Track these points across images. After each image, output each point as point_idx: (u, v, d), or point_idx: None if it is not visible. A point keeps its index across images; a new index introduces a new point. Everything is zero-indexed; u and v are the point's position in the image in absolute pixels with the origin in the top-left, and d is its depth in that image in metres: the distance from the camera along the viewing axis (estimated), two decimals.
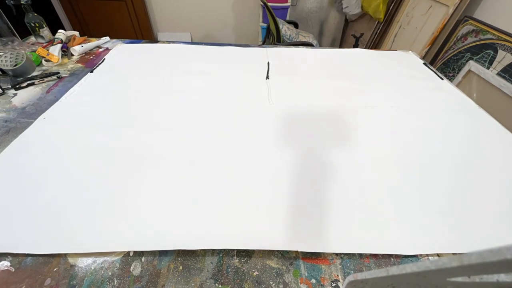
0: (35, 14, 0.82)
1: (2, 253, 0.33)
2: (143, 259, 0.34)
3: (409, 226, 0.38)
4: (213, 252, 0.35)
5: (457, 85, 1.20)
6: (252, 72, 0.76)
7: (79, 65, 0.77)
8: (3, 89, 0.63)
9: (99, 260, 0.34)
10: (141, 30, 2.29)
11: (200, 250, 0.35)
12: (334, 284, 0.32)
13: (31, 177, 0.43)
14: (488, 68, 1.11)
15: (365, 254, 0.35)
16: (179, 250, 0.35)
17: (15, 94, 0.63)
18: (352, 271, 0.34)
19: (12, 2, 0.77)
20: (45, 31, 0.85)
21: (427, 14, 1.39)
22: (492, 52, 1.11)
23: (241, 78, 0.72)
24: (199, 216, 0.38)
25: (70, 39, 0.87)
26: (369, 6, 1.77)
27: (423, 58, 0.93)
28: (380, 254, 0.35)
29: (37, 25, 0.83)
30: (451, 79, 1.28)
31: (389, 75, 0.78)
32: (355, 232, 0.37)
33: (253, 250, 0.35)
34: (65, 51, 0.82)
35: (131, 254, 0.34)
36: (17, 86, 0.64)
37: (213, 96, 0.65)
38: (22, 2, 0.77)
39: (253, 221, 0.38)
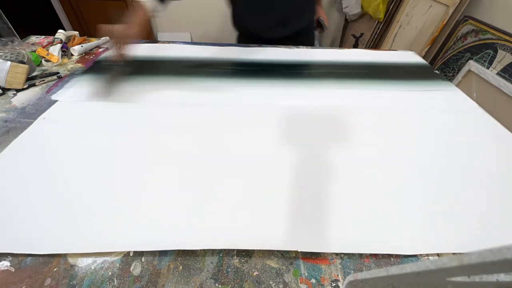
0: None
1: (2, 253, 0.33)
2: (143, 259, 0.34)
3: (409, 226, 0.38)
4: (213, 252, 0.35)
5: (457, 85, 1.20)
6: (252, 72, 0.76)
7: (79, 65, 0.77)
8: (3, 89, 0.63)
9: (99, 260, 0.34)
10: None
11: (200, 250, 0.35)
12: (334, 284, 0.32)
13: (31, 177, 0.43)
14: (488, 68, 1.11)
15: (365, 254, 0.35)
16: (179, 250, 0.35)
17: (15, 94, 0.63)
18: (352, 271, 0.34)
19: None
20: None
21: (427, 14, 1.39)
22: (492, 52, 1.11)
23: (240, 78, 0.72)
24: (199, 216, 0.38)
25: (70, 39, 0.87)
26: (369, 6, 1.77)
27: (423, 58, 0.93)
28: (380, 254, 0.35)
29: None
30: (451, 79, 1.28)
31: (389, 76, 0.78)
32: (355, 232, 0.37)
33: (253, 250, 0.35)
34: (65, 51, 0.82)
35: (131, 254, 0.34)
36: None
37: (213, 96, 0.65)
38: None
39: (253, 221, 0.38)
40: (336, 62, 0.84)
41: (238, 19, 0.93)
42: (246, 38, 0.97)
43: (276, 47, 0.92)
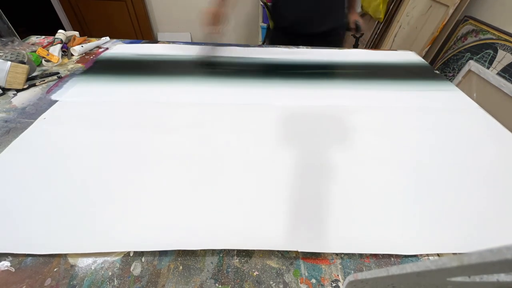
0: None
1: (2, 253, 0.33)
2: (143, 259, 0.34)
3: (409, 226, 0.38)
4: (213, 252, 0.35)
5: (457, 85, 1.20)
6: (252, 72, 0.76)
7: (79, 65, 0.77)
8: (3, 89, 0.63)
9: (99, 260, 0.34)
10: (141, 30, 2.29)
11: (200, 250, 0.35)
12: (334, 284, 0.32)
13: (31, 177, 0.43)
14: (488, 68, 1.11)
15: (365, 254, 0.35)
16: (179, 250, 0.35)
17: (15, 94, 0.63)
18: (352, 271, 0.34)
19: None
20: None
21: (427, 14, 1.39)
22: (492, 52, 1.11)
23: (240, 78, 0.72)
24: (199, 216, 0.38)
25: (70, 39, 0.87)
26: (369, 6, 1.77)
27: (423, 58, 0.93)
28: (380, 254, 0.35)
29: None
30: (451, 79, 1.28)
31: (389, 76, 0.78)
32: (355, 232, 0.37)
33: (253, 250, 0.35)
34: (65, 51, 0.82)
35: (131, 254, 0.34)
36: None
37: (213, 96, 0.65)
38: None
39: (253, 221, 0.38)
40: (336, 62, 0.84)
41: (277, 11, 0.98)
42: (278, 32, 1.02)
43: (276, 47, 0.92)
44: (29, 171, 0.44)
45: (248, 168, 0.46)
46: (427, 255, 0.36)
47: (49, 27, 0.86)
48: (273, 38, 1.06)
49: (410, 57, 0.91)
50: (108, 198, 0.40)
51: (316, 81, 0.73)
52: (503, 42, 1.07)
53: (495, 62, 1.09)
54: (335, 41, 1.02)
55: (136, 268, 0.33)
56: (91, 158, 0.46)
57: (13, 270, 0.32)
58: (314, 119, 0.58)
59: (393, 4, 1.66)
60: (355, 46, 2.10)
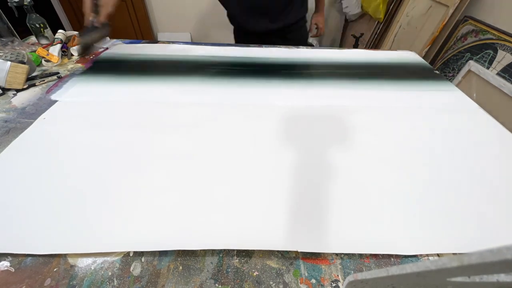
0: (38, 15, 0.82)
1: (2, 253, 0.33)
2: (143, 259, 0.34)
3: (409, 226, 0.38)
4: (213, 252, 0.35)
5: (457, 85, 1.20)
6: (252, 72, 0.76)
7: (79, 65, 0.77)
8: (3, 89, 0.63)
9: (99, 260, 0.33)
10: (141, 30, 2.29)
11: (200, 250, 0.35)
12: (334, 284, 0.32)
13: (31, 177, 0.43)
14: (488, 68, 1.11)
15: (365, 254, 0.35)
16: (179, 250, 0.35)
17: (15, 94, 0.63)
18: (352, 271, 0.34)
19: (15, 3, 0.76)
20: (49, 32, 0.85)
21: (427, 14, 1.39)
22: (492, 52, 1.11)
23: (240, 78, 0.72)
24: (199, 216, 0.38)
25: (70, 39, 0.87)
26: (369, 6, 1.77)
27: (423, 58, 0.93)
28: (380, 254, 0.35)
29: (42, 25, 0.83)
30: (451, 79, 1.28)
31: (389, 76, 0.78)
32: (355, 232, 0.37)
33: (253, 250, 0.35)
34: (65, 51, 0.82)
35: (131, 254, 0.34)
36: None
37: (213, 96, 0.65)
38: (25, 3, 0.77)
39: (254, 221, 0.38)
40: (336, 62, 0.84)
41: (229, 12, 1.00)
42: (239, 32, 1.07)
43: (276, 47, 0.92)
44: (29, 171, 0.43)
45: (248, 168, 0.46)
46: (427, 255, 0.36)
47: (49, 27, 0.86)
48: (237, 39, 1.08)
49: (410, 57, 0.91)
50: (108, 198, 0.40)
51: (316, 81, 0.73)
52: (503, 42, 1.07)
53: (495, 62, 1.09)
54: (296, 39, 1.03)
55: (136, 268, 0.33)
56: (91, 158, 0.46)
57: (13, 270, 0.32)
58: (314, 119, 0.58)
59: (393, 4, 1.66)
60: (355, 46, 2.11)
